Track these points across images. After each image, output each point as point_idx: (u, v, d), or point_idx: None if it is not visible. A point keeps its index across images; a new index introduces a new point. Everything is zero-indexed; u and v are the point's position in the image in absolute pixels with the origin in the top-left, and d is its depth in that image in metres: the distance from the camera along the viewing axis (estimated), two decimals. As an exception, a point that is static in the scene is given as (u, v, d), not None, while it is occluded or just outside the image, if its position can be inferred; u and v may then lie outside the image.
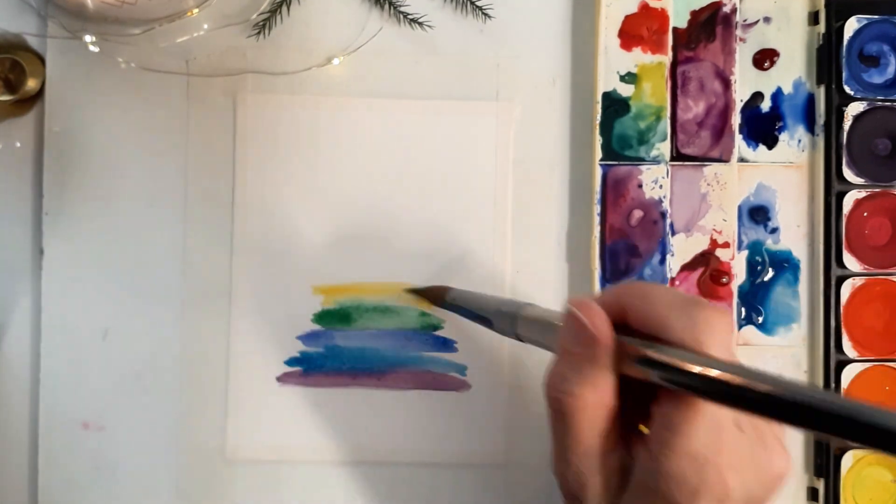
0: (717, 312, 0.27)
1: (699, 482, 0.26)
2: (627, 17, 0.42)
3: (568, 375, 0.28)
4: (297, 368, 0.41)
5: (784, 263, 0.42)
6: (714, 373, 0.24)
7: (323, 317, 0.41)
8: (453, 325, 0.41)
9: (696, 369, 0.24)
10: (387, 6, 0.41)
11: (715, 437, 0.26)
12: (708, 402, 0.25)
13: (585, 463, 0.28)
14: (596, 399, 0.28)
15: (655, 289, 0.28)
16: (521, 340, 0.33)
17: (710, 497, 0.26)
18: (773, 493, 0.28)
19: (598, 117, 0.41)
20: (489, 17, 0.42)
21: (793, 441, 0.42)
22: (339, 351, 0.41)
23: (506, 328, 0.33)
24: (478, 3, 0.41)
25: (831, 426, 0.21)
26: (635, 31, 0.42)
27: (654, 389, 0.27)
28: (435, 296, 0.40)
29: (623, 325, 0.28)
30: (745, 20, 0.42)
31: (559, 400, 0.28)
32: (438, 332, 0.41)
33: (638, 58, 0.42)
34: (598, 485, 0.28)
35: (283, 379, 0.41)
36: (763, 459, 0.27)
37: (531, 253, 0.42)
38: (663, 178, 0.42)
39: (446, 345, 0.41)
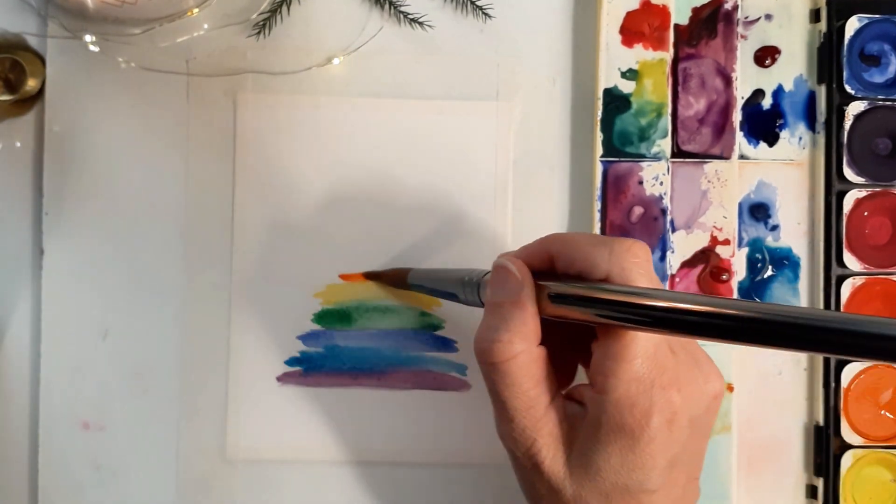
0: (635, 242, 0.28)
1: (649, 403, 0.27)
2: (629, 14, 0.42)
3: (494, 325, 0.29)
4: (297, 368, 0.41)
5: (784, 261, 0.43)
6: (640, 300, 0.25)
7: (323, 317, 0.41)
8: (453, 325, 0.41)
9: (623, 298, 0.26)
10: (387, 6, 0.41)
11: (654, 360, 0.27)
12: (641, 330, 0.26)
13: (529, 416, 0.29)
14: (525, 344, 0.29)
15: (576, 234, 0.30)
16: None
17: (661, 416, 0.27)
18: (713, 413, 0.30)
19: (600, 114, 0.42)
20: (489, 16, 0.42)
21: (792, 441, 0.43)
22: (339, 351, 0.41)
23: (471, 298, 0.33)
24: (478, 3, 0.42)
25: (749, 334, 0.23)
26: (637, 28, 0.42)
27: (586, 338, 0.29)
28: (395, 279, 0.40)
29: (551, 273, 0.29)
30: (746, 17, 0.43)
31: (489, 351, 0.29)
32: (438, 332, 0.41)
33: (639, 54, 0.42)
34: (548, 435, 0.29)
35: (283, 379, 0.41)
36: (700, 380, 0.29)
37: None
38: (664, 174, 0.42)
39: (446, 345, 0.41)
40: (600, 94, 0.42)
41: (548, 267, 0.30)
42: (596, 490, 0.28)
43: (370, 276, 0.41)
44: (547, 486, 0.29)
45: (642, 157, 0.42)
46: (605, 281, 0.28)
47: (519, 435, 0.29)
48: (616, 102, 0.42)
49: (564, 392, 0.31)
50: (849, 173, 0.42)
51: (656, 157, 0.42)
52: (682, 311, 0.24)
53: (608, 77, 0.42)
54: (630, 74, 0.42)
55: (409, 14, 0.41)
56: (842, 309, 0.42)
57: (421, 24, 0.41)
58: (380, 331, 0.41)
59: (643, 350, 0.27)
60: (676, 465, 0.29)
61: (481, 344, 0.29)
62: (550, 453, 0.29)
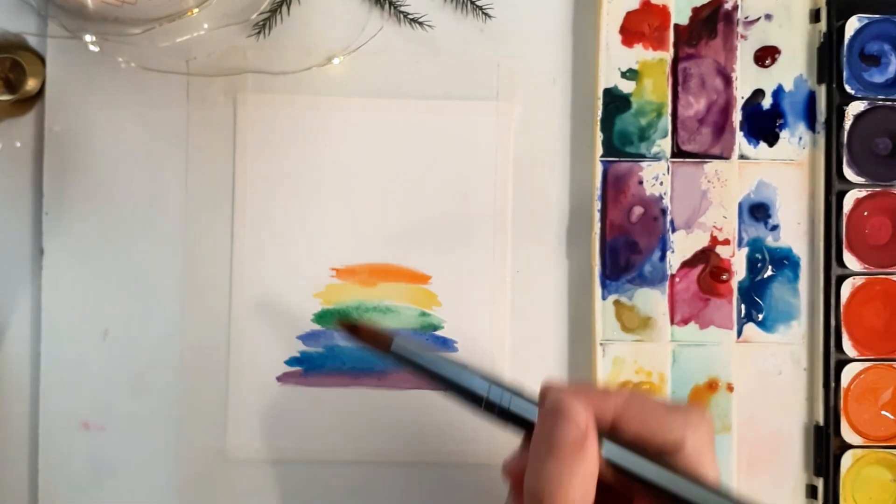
0: (706, 412, 0.29)
1: None
2: (629, 14, 0.42)
3: (550, 476, 0.27)
4: (297, 368, 0.41)
5: (784, 261, 0.43)
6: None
7: (323, 317, 0.41)
8: (453, 325, 0.42)
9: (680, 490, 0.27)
10: (387, 6, 0.41)
11: None
12: None
13: None
14: (584, 492, 0.27)
15: (652, 400, 0.30)
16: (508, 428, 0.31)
17: None
18: None
19: (600, 114, 0.42)
20: (489, 16, 0.42)
21: (792, 441, 0.43)
22: (339, 351, 0.41)
23: (488, 415, 0.30)
24: (478, 3, 0.42)
25: None
26: (637, 28, 0.42)
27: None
28: (373, 340, 0.32)
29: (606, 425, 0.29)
30: (746, 17, 0.43)
31: (548, 496, 0.27)
32: (438, 332, 0.42)
33: (639, 54, 0.42)
34: None
35: (283, 379, 0.41)
36: None
37: (531, 252, 0.42)
38: (664, 174, 0.42)
39: (446, 345, 0.42)
40: (600, 94, 0.42)
41: (607, 423, 0.29)
42: None
43: (345, 324, 0.34)
44: None
45: (642, 157, 0.42)
46: (679, 453, 0.28)
47: None
48: (616, 102, 0.42)
49: None
50: (849, 173, 0.42)
51: (656, 157, 0.42)
52: None
53: (608, 77, 0.42)
54: (630, 74, 0.42)
55: (409, 14, 0.41)
56: (842, 309, 0.42)
57: (421, 24, 0.42)
58: None
59: None
60: None
61: (541, 489, 0.28)
62: None
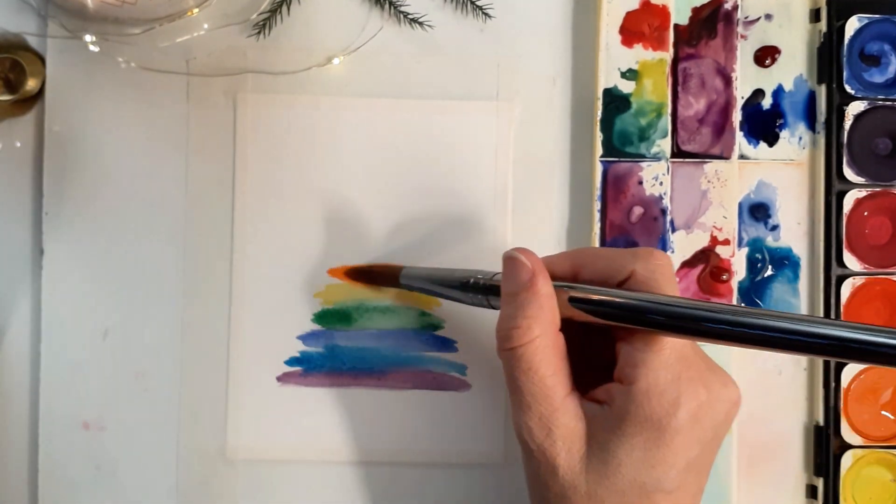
0: (657, 250, 0.31)
1: (677, 393, 0.28)
2: (629, 14, 0.42)
3: (511, 313, 0.30)
4: (297, 368, 0.41)
5: (784, 261, 0.43)
6: (651, 303, 0.28)
7: (323, 317, 0.41)
8: (453, 325, 0.41)
9: (636, 302, 0.28)
10: (387, 6, 0.41)
11: (681, 354, 0.29)
12: (665, 334, 0.28)
13: (546, 405, 0.29)
14: (542, 329, 0.30)
15: (602, 248, 0.32)
16: (496, 309, 0.33)
17: (688, 408, 0.28)
18: (729, 422, 0.30)
19: (599, 114, 0.42)
20: (489, 17, 0.42)
21: (792, 441, 0.43)
22: (339, 351, 0.41)
23: (476, 300, 0.34)
24: (478, 3, 0.42)
25: (756, 339, 0.26)
26: (636, 28, 0.42)
27: (603, 349, 0.31)
28: (384, 276, 0.40)
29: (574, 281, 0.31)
30: (746, 17, 0.43)
31: (507, 337, 0.30)
32: (438, 332, 0.41)
33: (639, 54, 0.42)
34: (564, 427, 0.29)
35: (283, 379, 0.41)
36: (719, 384, 0.30)
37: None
38: (664, 174, 0.42)
39: (446, 345, 0.41)
40: (600, 94, 0.42)
41: (570, 277, 0.32)
42: (612, 487, 0.28)
43: (354, 273, 0.41)
44: (561, 483, 0.29)
45: (642, 157, 0.42)
46: (629, 280, 0.30)
47: (535, 425, 0.29)
48: (616, 102, 0.42)
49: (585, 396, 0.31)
50: (849, 173, 0.42)
51: (656, 158, 0.42)
52: (699, 318, 0.26)
53: (608, 77, 0.42)
54: (630, 74, 0.42)
55: (409, 14, 0.41)
56: (842, 310, 0.42)
57: (421, 24, 0.41)
58: (380, 331, 0.41)
59: (671, 342, 0.28)
60: (692, 469, 0.29)
61: (499, 333, 0.30)
62: (566, 447, 0.29)
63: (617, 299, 0.29)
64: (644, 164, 0.42)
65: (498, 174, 0.42)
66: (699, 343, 0.30)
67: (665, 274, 0.30)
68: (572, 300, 0.30)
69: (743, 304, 0.42)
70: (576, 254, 0.32)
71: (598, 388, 0.30)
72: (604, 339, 0.31)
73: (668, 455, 0.28)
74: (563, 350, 0.30)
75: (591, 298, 0.29)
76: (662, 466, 0.28)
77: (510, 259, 0.31)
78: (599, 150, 0.42)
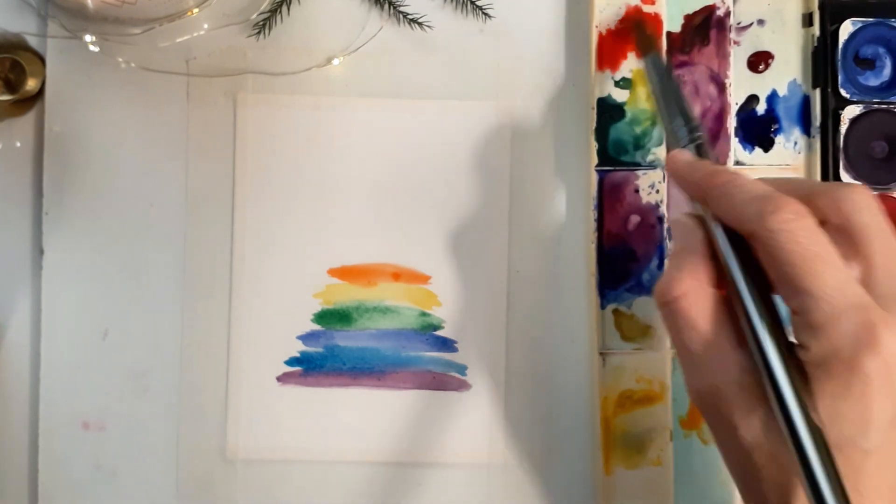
0: (787, 200, 0.25)
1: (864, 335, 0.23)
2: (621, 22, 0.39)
3: (669, 271, 0.27)
4: (297, 368, 0.38)
5: None
6: None
7: (323, 317, 0.38)
8: (453, 325, 0.39)
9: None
10: (387, 6, 0.38)
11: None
12: None
13: (709, 359, 0.25)
14: (695, 283, 0.26)
15: (748, 181, 0.27)
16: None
17: (877, 356, 0.23)
18: None
19: (594, 123, 0.39)
20: (489, 17, 0.39)
21: None
22: (339, 351, 0.38)
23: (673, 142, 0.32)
24: (478, 3, 0.39)
25: None
26: (629, 36, 0.39)
27: None
28: (644, 41, 0.37)
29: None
30: (739, 23, 0.40)
31: (662, 291, 0.26)
32: (438, 332, 0.39)
33: (632, 63, 0.39)
34: (733, 384, 0.25)
35: (283, 379, 0.38)
36: None
37: (530, 253, 0.39)
38: (660, 182, 0.39)
39: (446, 345, 0.39)
40: (594, 103, 0.39)
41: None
42: None
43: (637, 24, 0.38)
44: (740, 444, 0.25)
45: (637, 165, 0.39)
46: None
47: (700, 382, 0.26)
48: (610, 112, 0.39)
49: None
50: (845, 177, 0.39)
51: (652, 166, 0.39)
52: None
53: (602, 86, 0.39)
54: (624, 83, 0.39)
55: (408, 14, 0.39)
56: None
57: (421, 24, 0.39)
58: (380, 331, 0.38)
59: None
60: None
61: (657, 287, 0.27)
62: (741, 405, 0.25)
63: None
64: (640, 173, 0.39)
65: (498, 174, 0.39)
66: None
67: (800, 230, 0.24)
68: None
69: None
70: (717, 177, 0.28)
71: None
72: None
73: (861, 407, 0.23)
74: (724, 305, 0.26)
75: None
76: (856, 421, 0.23)
77: (674, 222, 0.29)
78: (595, 160, 0.39)
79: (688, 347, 0.26)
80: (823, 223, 0.25)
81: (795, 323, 0.25)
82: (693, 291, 0.26)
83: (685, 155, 0.30)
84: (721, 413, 0.25)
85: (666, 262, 0.29)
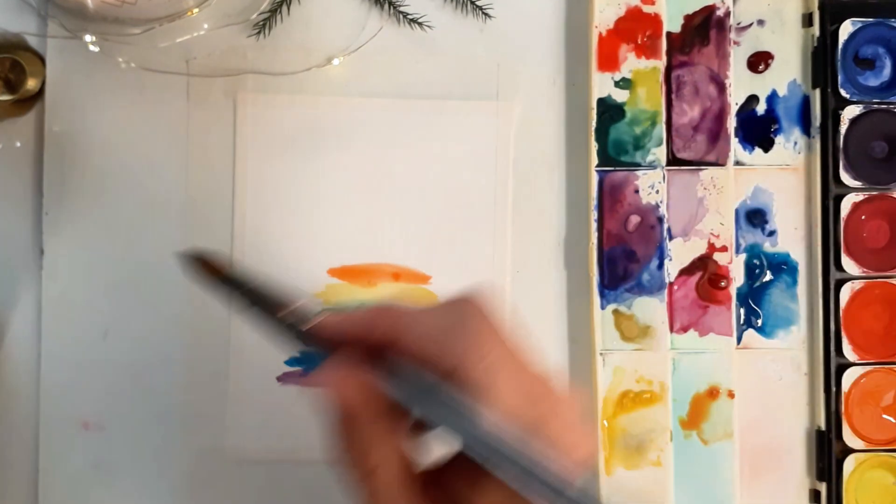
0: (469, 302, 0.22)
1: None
2: (619, 20, 0.38)
3: (360, 448, 0.23)
4: (297, 368, 0.37)
5: (782, 266, 0.39)
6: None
7: None
8: None
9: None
10: (387, 6, 0.37)
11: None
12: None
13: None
14: (398, 463, 0.23)
15: (415, 310, 0.23)
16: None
17: None
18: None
19: (594, 123, 0.38)
20: (489, 17, 0.38)
21: (795, 446, 0.38)
22: None
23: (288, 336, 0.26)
24: (478, 3, 0.38)
25: None
26: (630, 37, 0.38)
27: None
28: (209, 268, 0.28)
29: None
30: (738, 23, 0.39)
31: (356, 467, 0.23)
32: None
33: (632, 63, 0.38)
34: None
35: (283, 379, 0.37)
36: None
37: (531, 253, 0.38)
38: (660, 182, 0.38)
39: None
40: (594, 103, 0.38)
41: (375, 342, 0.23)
42: None
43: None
44: None
45: (638, 165, 0.38)
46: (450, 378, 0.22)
47: None
48: (610, 112, 0.38)
49: None
50: (845, 177, 0.38)
51: (652, 166, 0.38)
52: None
53: (602, 86, 0.38)
54: (623, 83, 0.38)
55: (408, 14, 0.38)
56: (841, 313, 0.37)
57: (420, 24, 0.38)
58: None
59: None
60: None
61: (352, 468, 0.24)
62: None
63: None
64: (640, 173, 0.38)
65: (498, 174, 0.38)
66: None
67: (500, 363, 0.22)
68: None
69: None
70: (386, 316, 0.23)
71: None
72: None
73: None
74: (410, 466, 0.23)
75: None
76: None
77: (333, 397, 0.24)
78: (595, 160, 0.38)
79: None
80: None
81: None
82: (396, 474, 0.22)
83: (331, 319, 0.25)
84: None
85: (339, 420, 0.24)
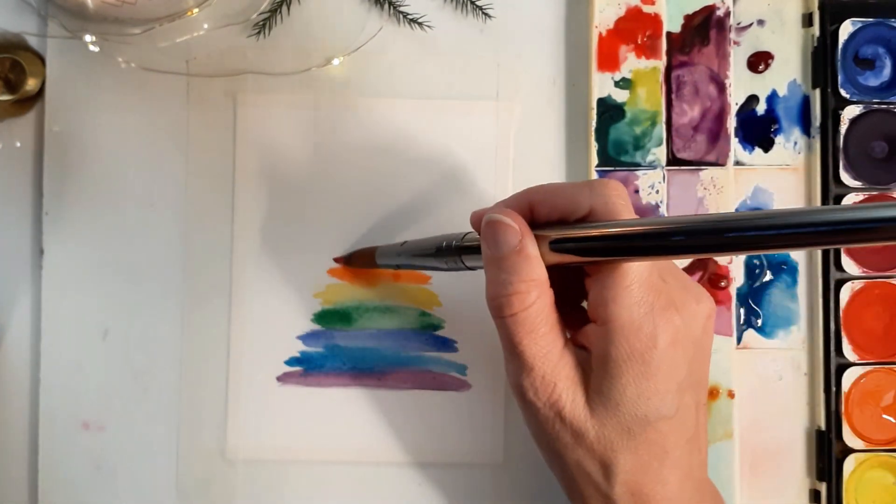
0: (611, 180, 0.27)
1: (652, 326, 0.25)
2: (619, 20, 0.37)
3: (504, 279, 0.26)
4: (297, 368, 0.37)
5: (782, 266, 0.38)
6: (629, 229, 0.24)
7: (323, 316, 0.37)
8: (453, 325, 0.37)
9: (613, 230, 0.24)
10: (387, 6, 0.37)
11: (648, 285, 0.26)
12: (630, 260, 0.25)
13: (548, 362, 0.27)
14: (539, 291, 0.26)
15: (554, 182, 0.28)
16: (472, 270, 0.30)
17: (665, 335, 0.26)
18: (709, 334, 0.28)
19: (594, 123, 0.37)
20: (489, 17, 0.37)
21: (794, 446, 0.37)
22: (339, 351, 0.37)
23: (452, 264, 0.30)
24: (478, 3, 0.37)
25: (728, 244, 0.22)
26: (630, 37, 0.37)
27: (576, 284, 0.28)
28: (364, 260, 0.36)
29: (532, 224, 0.27)
30: (738, 23, 0.38)
31: (507, 304, 0.26)
32: (438, 332, 0.37)
33: (632, 63, 0.37)
34: (566, 378, 0.27)
35: (283, 379, 0.37)
36: (692, 301, 0.27)
37: None
38: (660, 182, 0.37)
39: (446, 345, 0.37)
40: (594, 103, 0.37)
41: (528, 219, 0.27)
42: (618, 426, 0.26)
43: (340, 260, 0.37)
44: (571, 432, 0.27)
45: (638, 165, 0.37)
46: (590, 217, 0.26)
47: (540, 383, 0.27)
48: (610, 112, 0.37)
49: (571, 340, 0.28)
50: (845, 177, 0.37)
51: (651, 166, 0.37)
52: (670, 231, 0.22)
53: (601, 86, 0.37)
54: (623, 83, 0.37)
55: (408, 14, 0.37)
56: (841, 313, 0.37)
57: (421, 24, 0.37)
58: (380, 331, 0.37)
59: (637, 276, 0.26)
60: (686, 389, 0.27)
61: (497, 300, 0.27)
62: (571, 397, 0.27)
63: (599, 232, 0.25)
64: (640, 173, 0.37)
65: (498, 174, 0.38)
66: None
67: (624, 204, 0.26)
68: (554, 244, 0.26)
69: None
70: (531, 193, 0.28)
71: (579, 332, 0.28)
72: (574, 274, 0.28)
73: (659, 384, 0.26)
74: (553, 302, 0.27)
75: (574, 236, 0.25)
76: (657, 395, 0.26)
77: (495, 223, 0.27)
78: (595, 160, 0.37)
79: (528, 352, 0.26)
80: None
81: (598, 296, 0.26)
82: (538, 300, 0.26)
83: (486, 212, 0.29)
84: (553, 404, 0.26)
85: (490, 265, 0.27)
